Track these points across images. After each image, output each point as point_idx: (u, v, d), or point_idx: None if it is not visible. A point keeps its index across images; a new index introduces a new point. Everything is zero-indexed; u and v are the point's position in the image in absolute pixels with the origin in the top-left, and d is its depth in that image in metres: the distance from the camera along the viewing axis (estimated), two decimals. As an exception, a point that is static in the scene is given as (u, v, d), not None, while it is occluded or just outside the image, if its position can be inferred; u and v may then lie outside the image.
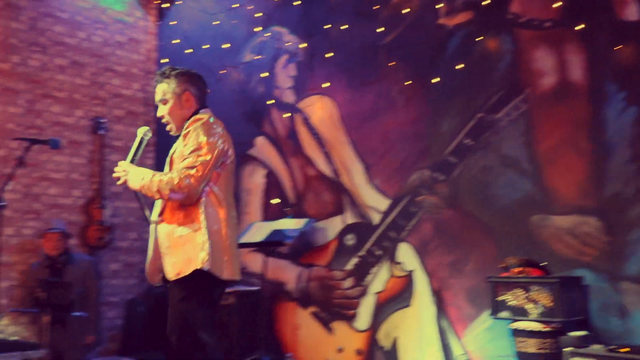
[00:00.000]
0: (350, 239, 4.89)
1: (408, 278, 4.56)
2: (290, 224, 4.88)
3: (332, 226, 4.99)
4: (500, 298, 3.71)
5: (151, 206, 2.91)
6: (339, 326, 4.88)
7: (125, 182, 2.79)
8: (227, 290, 4.93)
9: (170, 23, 6.31)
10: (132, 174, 2.74)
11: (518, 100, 4.17)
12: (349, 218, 4.93)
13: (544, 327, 3.52)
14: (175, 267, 2.67)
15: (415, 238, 4.56)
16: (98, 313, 5.21)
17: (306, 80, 5.32)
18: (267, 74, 5.56)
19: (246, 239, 4.91)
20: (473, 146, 4.33)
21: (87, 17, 5.91)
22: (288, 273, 5.18)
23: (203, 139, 2.70)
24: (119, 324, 5.85)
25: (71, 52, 5.76)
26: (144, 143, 2.87)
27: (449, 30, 4.54)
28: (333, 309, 4.92)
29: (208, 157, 2.69)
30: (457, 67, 4.44)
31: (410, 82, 4.69)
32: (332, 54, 5.14)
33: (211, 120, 2.80)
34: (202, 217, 2.67)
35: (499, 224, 4.17)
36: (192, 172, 2.65)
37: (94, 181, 5.87)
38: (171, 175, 2.66)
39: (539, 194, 4.03)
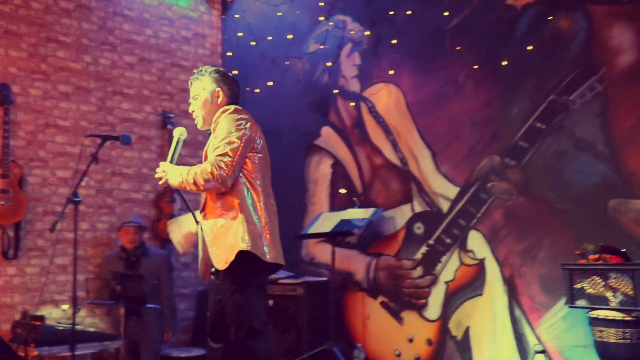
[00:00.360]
0: (418, 228, 4.90)
1: (479, 266, 4.53)
2: (358, 214, 4.91)
3: (400, 215, 5.01)
4: (577, 286, 3.63)
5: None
6: (408, 316, 4.90)
7: (166, 182, 2.94)
8: (296, 281, 5.08)
9: (234, 16, 6.44)
10: (170, 173, 2.90)
11: (593, 81, 4.07)
12: (418, 206, 4.93)
13: (625, 317, 3.43)
14: (222, 256, 2.81)
15: (485, 225, 4.52)
16: (173, 306, 5.36)
17: (371, 68, 5.34)
18: (331, 63, 5.61)
19: (314, 229, 4.98)
20: (545, 130, 4.26)
21: (154, 14, 6.10)
22: (357, 263, 5.23)
23: (231, 126, 2.83)
24: (190, 316, 6.02)
25: (139, 49, 5.96)
26: (181, 143, 3.04)
27: (517, 10, 4.47)
28: (403, 298, 4.94)
29: (237, 144, 2.84)
30: (527, 48, 4.37)
31: (478, 66, 4.65)
32: (396, 41, 5.14)
33: (236, 109, 2.94)
34: (238, 204, 2.81)
35: (574, 210, 4.09)
36: (224, 159, 2.79)
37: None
38: (204, 165, 2.81)
39: (616, 178, 3.93)
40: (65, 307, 5.20)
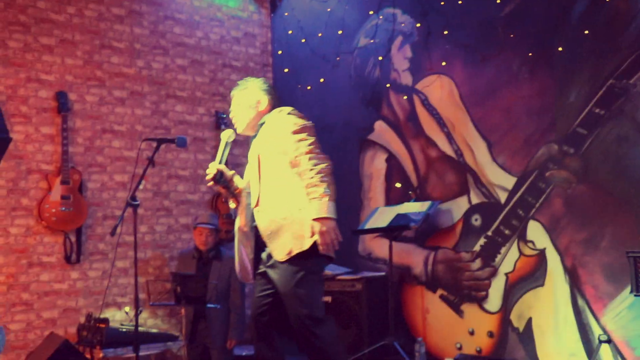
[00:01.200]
0: (476, 220, 4.96)
1: (539, 257, 4.57)
2: (414, 207, 5.00)
3: (457, 207, 5.07)
4: (641, 274, 3.66)
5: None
6: (469, 309, 4.97)
7: (212, 182, 3.13)
8: (354, 277, 5.20)
9: (284, 14, 6.58)
10: (321, 215, 2.90)
11: (653, 64, 4.08)
12: (474, 198, 4.99)
13: (692, 303, 3.44)
14: (285, 247, 2.95)
15: (545, 215, 4.55)
16: (241, 314, 5.33)
17: (423, 61, 5.41)
18: (382, 57, 5.70)
19: (371, 224, 5.09)
20: (604, 115, 4.27)
21: (204, 16, 6.31)
22: (414, 257, 5.33)
23: (301, 122, 3.05)
24: (249, 314, 6.20)
25: (190, 51, 6.18)
26: (229, 145, 3.26)
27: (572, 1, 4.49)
28: (462, 291, 5.01)
29: (313, 138, 3.05)
30: (583, 32, 4.39)
31: (532, 53, 4.68)
32: (448, 32, 5.21)
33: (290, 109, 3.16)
34: (301, 196, 2.95)
35: (636, 196, 4.09)
36: (318, 159, 2.98)
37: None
38: (312, 176, 2.94)
39: (680, 162, 3.93)
40: (127, 309, 5.38)
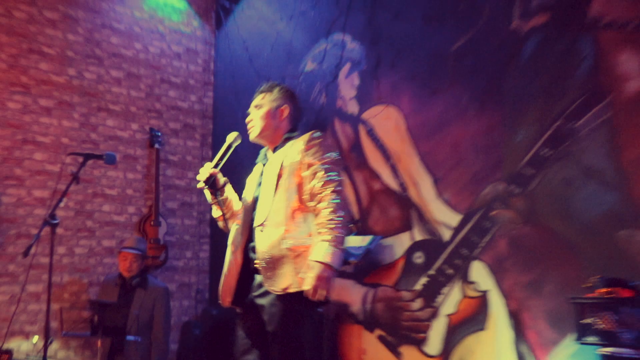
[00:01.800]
0: (419, 257, 4.93)
1: (482, 299, 4.56)
2: (354, 241, 4.93)
3: (399, 243, 5.04)
4: (586, 321, 3.63)
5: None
6: (407, 351, 4.90)
7: (203, 186, 2.99)
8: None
9: (229, 32, 6.49)
10: (321, 274, 2.72)
11: (600, 107, 4.13)
12: (418, 234, 4.97)
13: None
14: (283, 280, 2.78)
15: (489, 256, 4.56)
16: (164, 347, 5.13)
17: (371, 90, 5.40)
18: (328, 84, 5.68)
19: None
20: (551, 156, 4.31)
21: (144, 27, 6.16)
22: (352, 294, 5.23)
23: (334, 157, 2.95)
24: (174, 349, 5.97)
25: (127, 63, 6.00)
26: (232, 149, 3.07)
27: (523, 34, 4.55)
28: (401, 332, 4.94)
29: (340, 179, 2.94)
30: (533, 71, 4.45)
31: (482, 89, 4.72)
32: (397, 62, 5.23)
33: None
34: (314, 230, 2.79)
35: (582, 240, 4.12)
36: (340, 204, 2.83)
37: (148, 197, 6.03)
38: (330, 218, 2.76)
39: (626, 207, 3.97)
40: (35, 339, 5.10)
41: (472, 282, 4.63)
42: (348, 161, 5.46)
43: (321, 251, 2.71)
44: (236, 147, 3.16)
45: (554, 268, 4.24)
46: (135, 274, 5.07)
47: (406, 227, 5.02)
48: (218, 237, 6.60)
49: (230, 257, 2.98)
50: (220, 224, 3.15)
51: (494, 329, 4.47)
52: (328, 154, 2.94)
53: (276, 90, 3.15)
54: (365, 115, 5.41)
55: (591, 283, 3.73)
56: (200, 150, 6.40)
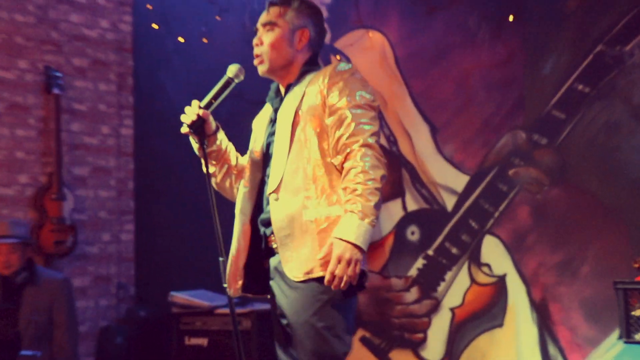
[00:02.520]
0: (413, 233, 4.95)
1: (497, 286, 4.59)
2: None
3: (388, 215, 5.03)
4: (635, 313, 3.68)
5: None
6: (400, 356, 4.93)
7: (187, 129, 2.92)
8: (243, 310, 5.04)
9: None
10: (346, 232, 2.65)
11: (656, 26, 4.15)
12: (411, 203, 4.98)
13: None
14: (305, 262, 2.74)
15: (506, 229, 4.57)
16: (72, 357, 5.05)
17: (346, 8, 5.35)
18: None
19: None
20: (590, 94, 4.31)
21: None
22: (325, 283, 5.25)
23: (368, 97, 2.83)
24: (88, 362, 5.96)
25: (10, -23, 5.85)
26: (231, 86, 2.97)
27: None
28: (392, 332, 4.98)
29: (376, 127, 2.83)
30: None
31: (496, 6, 4.68)
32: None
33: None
34: (341, 193, 2.74)
35: (631, 206, 4.15)
36: (374, 159, 2.73)
37: (47, 162, 5.94)
38: (358, 181, 2.68)
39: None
40: None
41: (483, 265, 4.65)
42: (317, 106, 5.41)
43: (346, 225, 2.66)
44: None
45: (592, 243, 4.25)
46: (17, 269, 5.00)
47: (396, 193, 5.03)
48: (146, 211, 6.55)
49: (239, 231, 2.98)
50: (213, 182, 3.13)
51: (513, 326, 4.51)
52: (359, 93, 2.88)
53: (295, 4, 3.05)
54: (340, 44, 5.37)
55: (643, 262, 3.77)
56: (116, 95, 6.26)
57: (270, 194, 2.84)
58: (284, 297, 2.83)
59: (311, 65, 2.97)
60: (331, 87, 2.85)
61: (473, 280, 4.69)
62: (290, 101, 2.93)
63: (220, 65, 6.06)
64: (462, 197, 4.78)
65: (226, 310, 5.14)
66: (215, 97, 2.97)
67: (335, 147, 2.79)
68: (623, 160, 4.20)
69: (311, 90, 2.89)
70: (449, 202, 4.82)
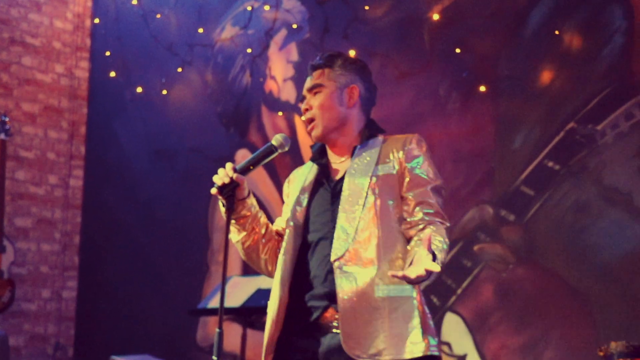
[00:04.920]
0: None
1: (458, 367, 4.55)
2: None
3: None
4: (599, 404, 3.68)
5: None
6: None
7: (216, 190, 2.82)
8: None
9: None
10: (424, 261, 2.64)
11: (631, 105, 4.19)
12: (372, 275, 4.94)
13: None
14: (374, 343, 2.65)
15: (468, 307, 4.56)
16: None
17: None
18: (255, 57, 5.65)
19: (217, 301, 4.92)
20: (560, 172, 4.34)
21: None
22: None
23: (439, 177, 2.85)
24: None
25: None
26: (273, 156, 2.89)
27: (527, 1, 4.59)
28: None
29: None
30: (538, 52, 4.47)
31: (468, 74, 4.72)
32: (354, 30, 5.20)
33: None
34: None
35: (598, 290, 4.15)
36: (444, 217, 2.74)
37: (-11, 210, 5.88)
38: (440, 220, 2.70)
39: (658, 246, 4.05)
40: None
41: (444, 344, 4.60)
42: (279, 167, 5.42)
43: (434, 242, 2.61)
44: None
45: (557, 327, 4.24)
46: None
47: (356, 263, 4.99)
48: (90, 268, 6.46)
49: (277, 302, 2.86)
50: (240, 250, 3.03)
51: (473, 411, 4.49)
52: (436, 172, 2.86)
53: (339, 63, 3.00)
54: (305, 104, 5.39)
55: (606, 350, 3.77)
56: (68, 144, 6.22)
57: (334, 260, 2.75)
58: None
59: (374, 129, 2.94)
60: (411, 159, 2.84)
61: (432, 360, 4.66)
62: (361, 166, 2.88)
63: (178, 118, 6.11)
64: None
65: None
66: (254, 164, 2.88)
67: (409, 221, 2.76)
68: (591, 242, 4.21)
69: (386, 157, 2.86)
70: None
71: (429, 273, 2.44)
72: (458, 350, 4.58)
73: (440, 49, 4.87)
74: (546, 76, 4.48)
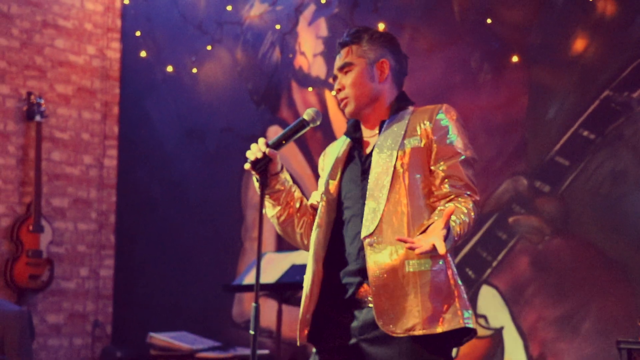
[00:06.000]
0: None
1: (494, 340, 4.55)
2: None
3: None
4: (639, 374, 3.63)
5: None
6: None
7: (250, 165, 2.80)
8: (224, 355, 4.98)
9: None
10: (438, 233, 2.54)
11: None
12: (406, 248, 4.92)
13: None
14: (406, 318, 2.66)
15: (504, 279, 4.54)
16: None
17: (343, 44, 5.36)
18: (284, 34, 5.65)
19: (252, 277, 4.92)
20: (595, 141, 4.30)
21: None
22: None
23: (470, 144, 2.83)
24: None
25: (-8, -2, 5.88)
26: (305, 129, 2.88)
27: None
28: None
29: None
30: (571, 20, 4.42)
31: (500, 45, 4.68)
32: (384, 4, 5.18)
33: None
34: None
35: (636, 261, 4.11)
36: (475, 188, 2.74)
37: (25, 192, 5.92)
38: (468, 192, 2.69)
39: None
40: None
41: (480, 316, 4.61)
42: (311, 143, 5.42)
43: (456, 214, 2.61)
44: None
45: (594, 298, 4.21)
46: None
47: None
48: (127, 247, 6.52)
49: (311, 276, 2.87)
50: (276, 225, 3.03)
51: (511, 383, 4.47)
52: (466, 141, 2.82)
53: (366, 38, 2.99)
54: (336, 79, 5.37)
55: (647, 320, 3.72)
56: (101, 124, 6.26)
57: (364, 238, 2.75)
58: (378, 355, 2.70)
59: (404, 101, 2.92)
60: (438, 130, 2.79)
61: (468, 333, 4.64)
62: (389, 139, 2.84)
63: (209, 97, 6.10)
64: (459, 244, 4.72)
65: (209, 355, 5.10)
66: (286, 139, 2.87)
67: (437, 194, 2.72)
68: (629, 212, 4.17)
69: (414, 130, 2.83)
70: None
71: (433, 249, 2.42)
72: (494, 323, 4.56)
73: (471, 20, 4.82)
74: (579, 44, 4.42)
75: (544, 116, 4.49)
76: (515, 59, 4.62)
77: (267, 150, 2.79)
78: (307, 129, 2.86)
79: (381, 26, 5.15)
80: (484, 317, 4.59)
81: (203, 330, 5.43)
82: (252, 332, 2.67)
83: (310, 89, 5.50)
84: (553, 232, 4.40)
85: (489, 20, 4.73)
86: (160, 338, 5.36)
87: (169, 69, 6.16)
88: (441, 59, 4.91)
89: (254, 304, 2.64)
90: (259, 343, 5.35)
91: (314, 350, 2.82)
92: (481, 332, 4.56)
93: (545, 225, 4.43)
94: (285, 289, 4.87)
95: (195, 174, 6.07)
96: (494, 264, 4.59)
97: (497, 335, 4.53)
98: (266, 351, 5.25)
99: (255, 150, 2.79)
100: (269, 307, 5.38)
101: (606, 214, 4.24)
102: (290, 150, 5.53)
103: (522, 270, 4.49)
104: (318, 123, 2.86)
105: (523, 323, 4.45)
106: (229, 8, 5.92)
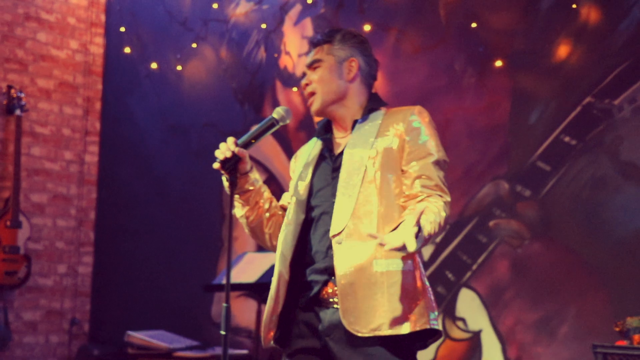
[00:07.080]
0: (387, 282, 4.91)
1: (472, 342, 4.56)
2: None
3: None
4: (615, 379, 3.68)
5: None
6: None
7: (219, 165, 2.81)
8: (202, 355, 4.99)
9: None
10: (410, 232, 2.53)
11: (648, 80, 4.18)
12: (387, 250, 4.94)
13: None
14: (372, 317, 2.65)
15: (484, 283, 4.55)
16: None
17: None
18: (269, 32, 5.65)
19: (232, 277, 4.94)
20: (576, 147, 4.33)
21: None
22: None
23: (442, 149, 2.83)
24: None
25: (-25, -9, 5.85)
26: (275, 128, 2.89)
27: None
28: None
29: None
30: (554, 26, 4.45)
31: (484, 49, 4.70)
32: (370, 5, 5.19)
33: None
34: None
35: (614, 266, 4.14)
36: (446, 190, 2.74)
37: (3, 186, 5.90)
38: (439, 193, 2.70)
39: (675, 222, 4.03)
40: None
41: (458, 319, 4.62)
42: (294, 142, 5.41)
43: (427, 214, 2.58)
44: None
45: (572, 303, 4.24)
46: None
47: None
48: (106, 244, 6.50)
49: (278, 276, 2.85)
50: (245, 225, 3.02)
51: (488, 386, 4.50)
52: (439, 145, 2.82)
53: (337, 38, 3.01)
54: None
55: (623, 326, 3.75)
56: (83, 120, 6.24)
57: (333, 235, 2.73)
58: (344, 356, 2.69)
59: (377, 102, 2.92)
60: (411, 131, 2.80)
61: (447, 335, 4.66)
62: (361, 139, 2.84)
63: (192, 94, 6.14)
64: (439, 247, 4.75)
65: (187, 354, 5.11)
66: (255, 137, 2.87)
67: (408, 194, 2.71)
68: (608, 218, 4.20)
69: (387, 130, 2.83)
70: (426, 251, 4.78)
71: (404, 247, 2.43)
72: (473, 325, 4.59)
73: (456, 24, 4.85)
74: (563, 50, 4.45)
75: (526, 121, 4.52)
76: (499, 63, 4.65)
77: (236, 150, 2.80)
78: (277, 127, 2.88)
79: (367, 27, 5.17)
80: (463, 319, 4.61)
81: (182, 329, 5.43)
82: (222, 332, 2.65)
83: (294, 89, 5.50)
84: (533, 236, 4.43)
85: (474, 25, 4.76)
86: (138, 337, 5.36)
87: (153, 65, 6.16)
88: (426, 61, 4.93)
89: (224, 304, 2.61)
90: (239, 343, 5.38)
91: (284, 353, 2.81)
92: (460, 334, 4.60)
93: (525, 230, 4.46)
94: (265, 289, 4.71)
95: (178, 170, 6.08)
96: (474, 267, 4.61)
97: (475, 338, 4.56)
98: (245, 351, 5.26)
99: (224, 150, 2.80)
100: (248, 307, 5.38)
101: (585, 219, 4.27)
102: (273, 150, 5.53)
103: (501, 273, 4.52)
104: (288, 122, 2.88)
105: (501, 326, 4.48)
106: (215, 6, 5.93)
